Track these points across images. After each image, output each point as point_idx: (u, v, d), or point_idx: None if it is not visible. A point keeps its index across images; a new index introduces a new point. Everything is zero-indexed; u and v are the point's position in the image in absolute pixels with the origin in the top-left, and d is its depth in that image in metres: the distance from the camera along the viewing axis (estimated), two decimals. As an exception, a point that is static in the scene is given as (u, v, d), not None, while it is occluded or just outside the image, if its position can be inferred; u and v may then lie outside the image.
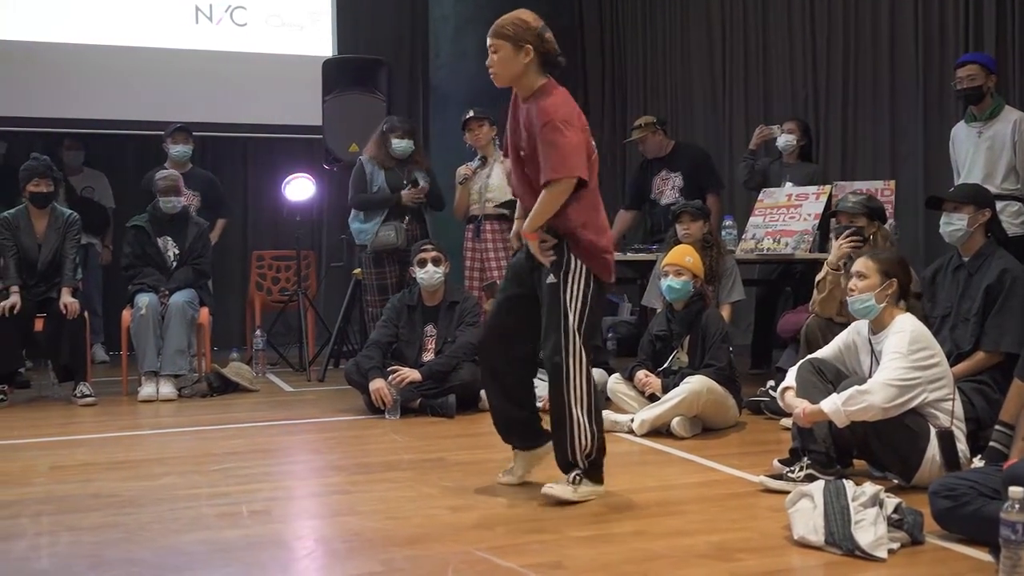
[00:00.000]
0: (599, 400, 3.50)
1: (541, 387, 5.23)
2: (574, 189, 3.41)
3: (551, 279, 3.43)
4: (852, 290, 3.68)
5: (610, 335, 7.80)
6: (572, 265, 3.42)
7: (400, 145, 6.14)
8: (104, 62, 7.82)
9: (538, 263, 3.48)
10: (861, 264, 3.71)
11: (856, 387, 3.42)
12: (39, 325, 5.86)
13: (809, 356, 3.86)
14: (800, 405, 3.54)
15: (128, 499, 3.58)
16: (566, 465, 3.47)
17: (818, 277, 4.77)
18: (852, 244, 4.63)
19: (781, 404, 3.80)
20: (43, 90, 7.72)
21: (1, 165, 7.47)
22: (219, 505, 3.48)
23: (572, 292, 3.41)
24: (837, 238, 4.80)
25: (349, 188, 6.19)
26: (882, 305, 3.62)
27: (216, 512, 3.39)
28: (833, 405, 3.42)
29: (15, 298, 5.68)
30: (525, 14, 3.48)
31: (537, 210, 3.41)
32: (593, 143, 3.56)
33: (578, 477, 3.44)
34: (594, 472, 3.48)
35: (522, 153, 3.51)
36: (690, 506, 3.47)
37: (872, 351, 3.68)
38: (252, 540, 3.09)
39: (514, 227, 3.79)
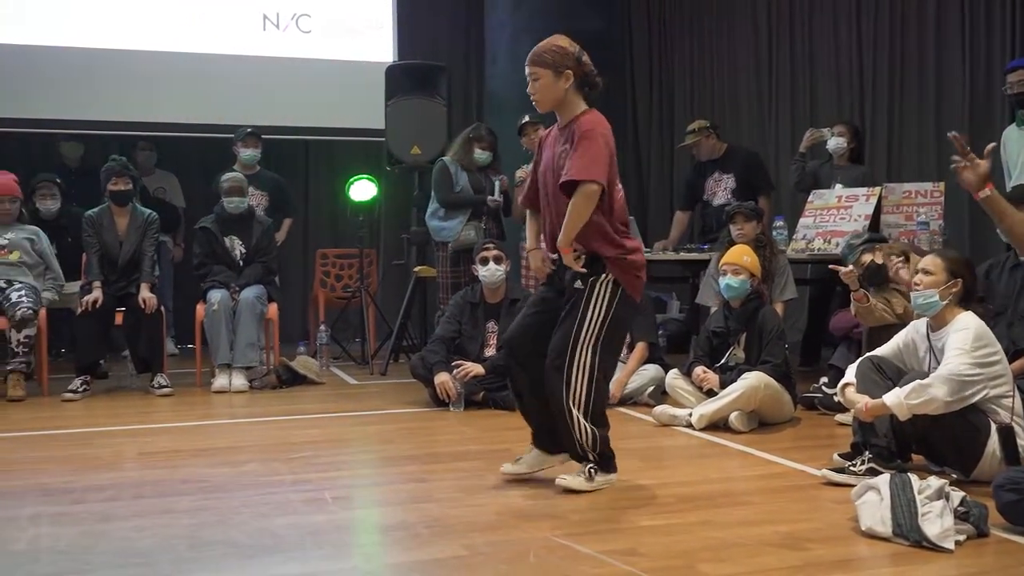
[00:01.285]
0: (601, 404, 3.46)
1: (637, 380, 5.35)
2: (603, 212, 3.44)
3: (578, 283, 3.44)
4: (917, 285, 3.67)
5: (660, 332, 7.78)
6: (602, 276, 3.43)
7: (482, 156, 6.30)
8: (175, 67, 7.93)
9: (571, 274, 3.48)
10: (929, 261, 3.70)
11: (919, 381, 3.42)
12: (119, 319, 5.99)
13: (868, 353, 3.85)
14: (862, 400, 3.54)
15: (216, 484, 3.66)
16: (578, 456, 3.52)
17: (853, 310, 4.76)
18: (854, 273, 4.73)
19: (841, 400, 3.80)
20: (116, 94, 7.84)
21: (78, 167, 7.61)
22: (303, 491, 3.55)
23: (596, 302, 3.41)
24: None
25: (433, 188, 6.31)
26: (944, 303, 3.60)
27: (301, 498, 3.46)
28: (896, 399, 3.42)
29: (97, 293, 5.81)
30: (562, 40, 3.51)
31: (568, 221, 3.38)
32: (618, 180, 3.57)
33: (593, 469, 3.48)
34: (606, 463, 3.52)
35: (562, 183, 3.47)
36: (755, 497, 3.48)
37: (931, 348, 3.66)
38: (339, 524, 3.16)
39: (533, 262, 3.72)
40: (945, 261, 3.68)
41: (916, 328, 3.78)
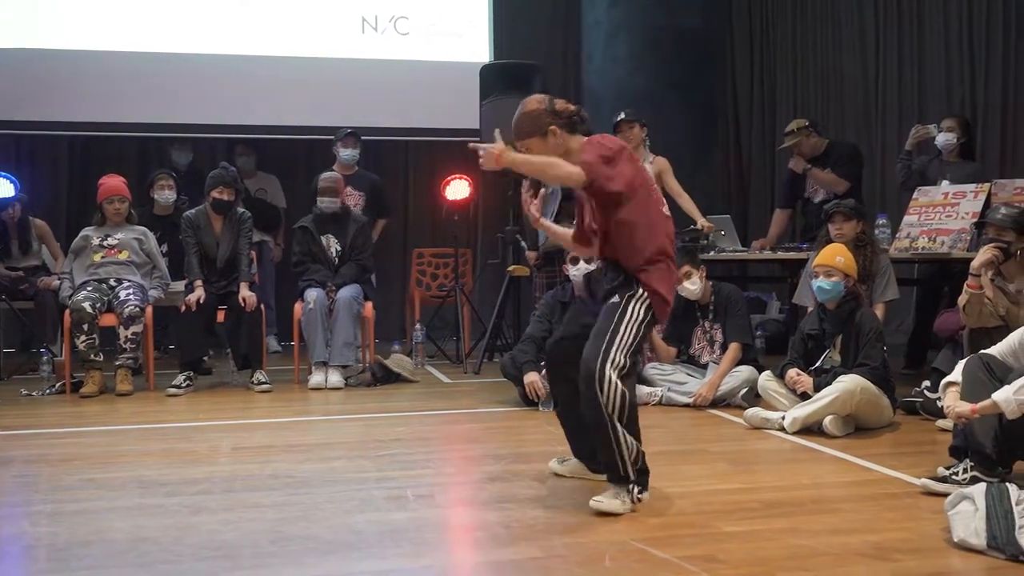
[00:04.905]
0: (636, 417, 3.29)
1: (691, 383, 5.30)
2: (639, 221, 3.32)
3: (615, 299, 3.32)
4: None
5: (759, 333, 7.62)
6: (638, 291, 3.31)
7: None
8: (277, 71, 8.15)
9: (606, 289, 3.37)
10: None
11: None
12: (220, 317, 6.17)
13: (980, 352, 3.65)
14: (966, 406, 3.36)
15: (303, 480, 3.73)
16: (618, 479, 3.27)
17: (961, 302, 4.52)
18: (994, 253, 4.41)
19: (943, 399, 3.63)
20: (221, 99, 8.11)
21: (186, 171, 7.86)
22: (387, 488, 3.59)
23: (631, 314, 3.28)
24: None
25: None
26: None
27: (384, 495, 3.50)
28: (1005, 395, 3.22)
29: (200, 291, 6.00)
30: (530, 103, 3.41)
31: (534, 161, 3.28)
32: (652, 179, 3.49)
33: (632, 489, 3.26)
34: (643, 479, 3.31)
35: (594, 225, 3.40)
36: (845, 504, 3.37)
37: (1051, 347, 3.47)
38: (419, 523, 3.18)
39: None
40: (1060, 262, 3.49)
41: None
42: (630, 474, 3.26)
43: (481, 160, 3.31)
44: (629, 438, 3.24)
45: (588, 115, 3.54)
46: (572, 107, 3.44)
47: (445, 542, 3.07)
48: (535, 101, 3.42)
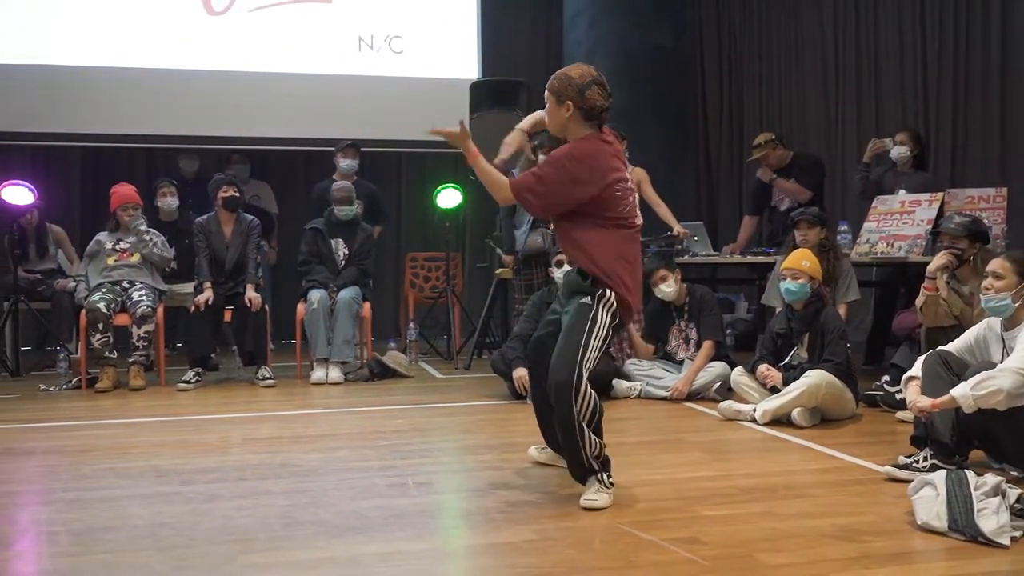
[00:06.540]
0: (600, 413, 3.21)
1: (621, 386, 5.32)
2: (608, 228, 3.23)
3: (585, 300, 3.20)
4: (988, 289, 3.52)
5: (729, 331, 7.67)
6: (607, 295, 3.20)
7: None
8: (279, 87, 8.11)
9: (574, 290, 3.26)
10: (998, 265, 3.55)
11: (985, 372, 3.26)
12: (227, 316, 6.14)
13: (938, 348, 3.68)
14: (927, 400, 3.39)
15: (310, 469, 3.72)
16: (584, 472, 3.20)
17: (918, 303, 4.56)
18: (948, 259, 4.46)
19: (905, 393, 3.66)
20: (227, 111, 8.05)
21: (194, 179, 7.81)
22: (389, 476, 3.59)
23: (600, 321, 3.18)
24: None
25: None
26: (1017, 304, 3.46)
27: (387, 482, 3.49)
28: (962, 391, 3.26)
29: (209, 293, 5.97)
30: (573, 70, 3.26)
31: (484, 171, 3.34)
32: (629, 187, 3.27)
33: (602, 477, 3.19)
34: (606, 467, 3.23)
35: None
36: (815, 490, 3.39)
37: (1004, 345, 3.50)
38: (421, 508, 3.18)
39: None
40: (1014, 264, 3.52)
41: (990, 325, 3.61)
42: (593, 465, 3.19)
43: (436, 130, 3.34)
44: (594, 438, 3.17)
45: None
46: (603, 103, 3.22)
47: (445, 526, 3.07)
48: (579, 73, 3.22)
